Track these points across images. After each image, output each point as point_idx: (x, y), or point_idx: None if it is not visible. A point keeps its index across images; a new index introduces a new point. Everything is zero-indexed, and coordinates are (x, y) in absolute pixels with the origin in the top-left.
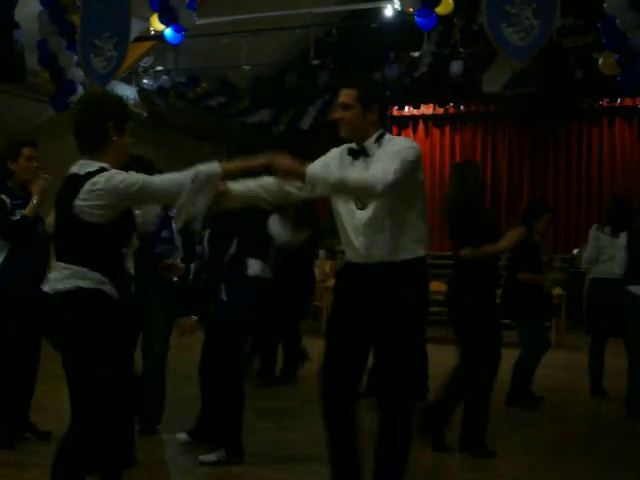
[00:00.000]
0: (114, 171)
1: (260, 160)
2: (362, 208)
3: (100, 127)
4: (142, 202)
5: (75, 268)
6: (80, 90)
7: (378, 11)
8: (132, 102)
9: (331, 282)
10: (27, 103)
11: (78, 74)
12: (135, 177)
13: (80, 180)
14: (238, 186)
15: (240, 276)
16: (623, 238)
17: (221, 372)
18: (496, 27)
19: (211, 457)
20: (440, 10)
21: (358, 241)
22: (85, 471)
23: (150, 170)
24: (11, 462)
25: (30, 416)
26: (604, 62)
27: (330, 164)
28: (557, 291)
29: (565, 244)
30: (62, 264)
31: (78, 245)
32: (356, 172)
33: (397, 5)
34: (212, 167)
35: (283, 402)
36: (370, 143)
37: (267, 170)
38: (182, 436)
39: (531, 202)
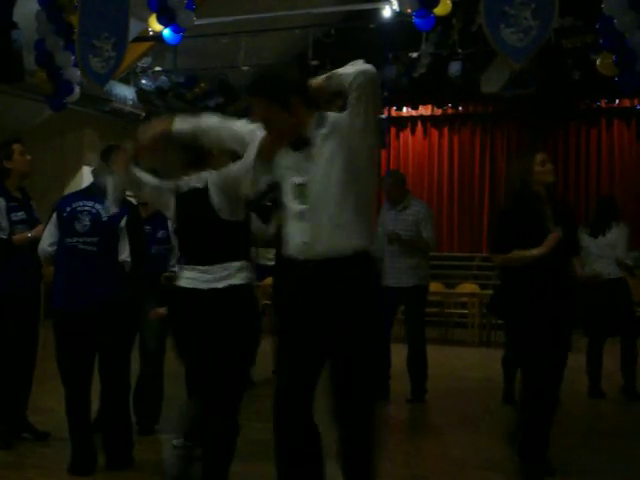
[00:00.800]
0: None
1: None
2: (303, 203)
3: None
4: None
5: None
6: (77, 90)
7: (376, 12)
8: (130, 103)
9: None
10: (25, 103)
11: (75, 74)
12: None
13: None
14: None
15: None
16: (610, 237)
17: None
18: (495, 28)
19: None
20: (438, 11)
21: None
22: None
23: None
24: (8, 462)
25: (28, 416)
26: (602, 63)
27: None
28: None
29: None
30: (216, 265)
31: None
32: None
33: (395, 6)
34: None
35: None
36: (311, 131)
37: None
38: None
39: None
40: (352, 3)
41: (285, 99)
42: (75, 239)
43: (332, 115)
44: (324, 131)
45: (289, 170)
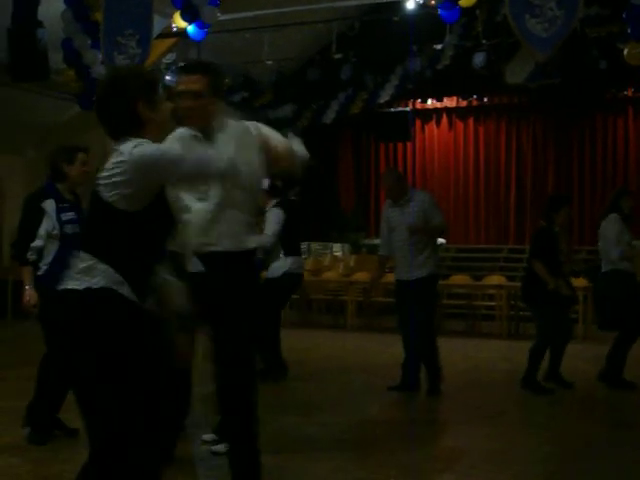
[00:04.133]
0: (146, 141)
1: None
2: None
3: (131, 110)
4: (172, 178)
5: (90, 262)
6: None
7: (400, 4)
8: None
9: (357, 276)
10: (51, 101)
11: (103, 72)
12: (173, 148)
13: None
14: None
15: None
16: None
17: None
18: (520, 18)
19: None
20: (463, 2)
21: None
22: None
23: None
24: (39, 458)
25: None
26: (629, 52)
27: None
28: (583, 282)
29: (591, 236)
30: (80, 254)
31: (97, 234)
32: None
33: None
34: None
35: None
36: (214, 129)
37: None
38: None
39: (551, 195)
40: None
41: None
42: None
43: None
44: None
45: None
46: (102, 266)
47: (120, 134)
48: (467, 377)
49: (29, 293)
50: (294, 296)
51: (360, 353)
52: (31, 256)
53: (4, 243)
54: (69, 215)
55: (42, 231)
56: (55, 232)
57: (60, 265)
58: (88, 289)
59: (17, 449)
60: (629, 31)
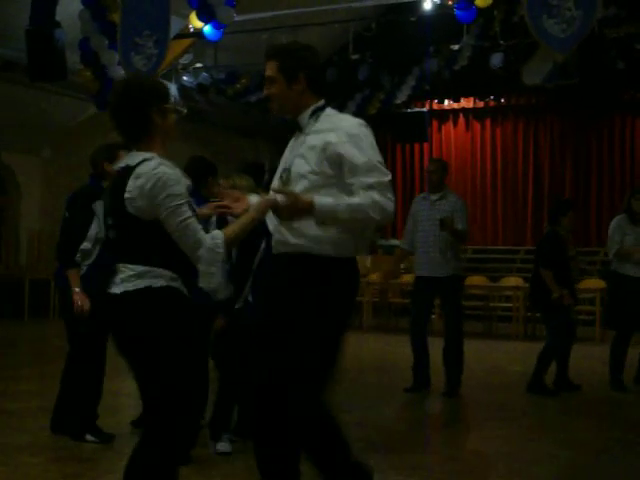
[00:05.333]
0: (164, 173)
1: (261, 208)
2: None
3: (145, 115)
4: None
5: (142, 268)
6: None
7: (417, 4)
8: (172, 99)
9: (373, 277)
10: (69, 101)
11: (119, 72)
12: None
13: (130, 172)
14: None
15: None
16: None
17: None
18: (537, 19)
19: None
20: (480, 3)
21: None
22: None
23: (210, 172)
24: (59, 457)
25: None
26: None
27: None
28: (599, 284)
29: None
30: (128, 265)
31: (140, 244)
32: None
33: None
34: (216, 243)
35: None
36: (304, 118)
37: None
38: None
39: (556, 200)
40: None
41: (292, 70)
42: None
43: (330, 111)
44: (318, 125)
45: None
46: (152, 269)
47: (133, 140)
48: (483, 379)
49: (80, 297)
50: None
51: (376, 354)
52: (78, 258)
53: (21, 242)
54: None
55: (92, 233)
56: (100, 235)
57: (99, 269)
58: (149, 288)
59: (36, 448)
60: None
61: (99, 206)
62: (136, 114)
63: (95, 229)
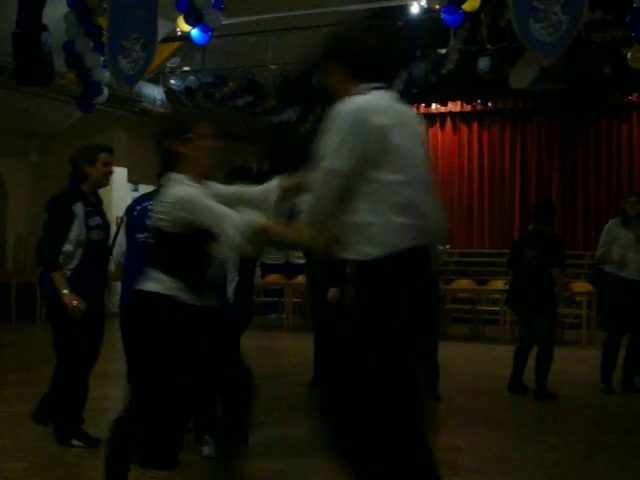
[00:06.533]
0: (181, 185)
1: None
2: None
3: (161, 148)
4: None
5: (153, 273)
6: (105, 91)
7: (404, 8)
8: (159, 103)
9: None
10: (55, 105)
11: (104, 75)
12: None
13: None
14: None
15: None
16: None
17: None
18: (524, 23)
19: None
20: (467, 7)
21: None
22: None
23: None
24: (43, 462)
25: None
26: (633, 56)
27: None
28: (587, 287)
29: (596, 241)
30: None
31: (161, 252)
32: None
33: (423, 2)
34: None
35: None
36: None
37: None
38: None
39: (548, 201)
40: (380, 0)
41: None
42: (146, 234)
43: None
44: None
45: None
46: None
47: (161, 169)
48: (471, 381)
49: (73, 298)
50: None
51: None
52: (61, 260)
53: (7, 246)
54: (96, 220)
55: (73, 235)
56: (82, 238)
57: (83, 272)
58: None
59: (22, 453)
60: (633, 35)
61: (79, 208)
62: (156, 147)
63: (76, 231)
